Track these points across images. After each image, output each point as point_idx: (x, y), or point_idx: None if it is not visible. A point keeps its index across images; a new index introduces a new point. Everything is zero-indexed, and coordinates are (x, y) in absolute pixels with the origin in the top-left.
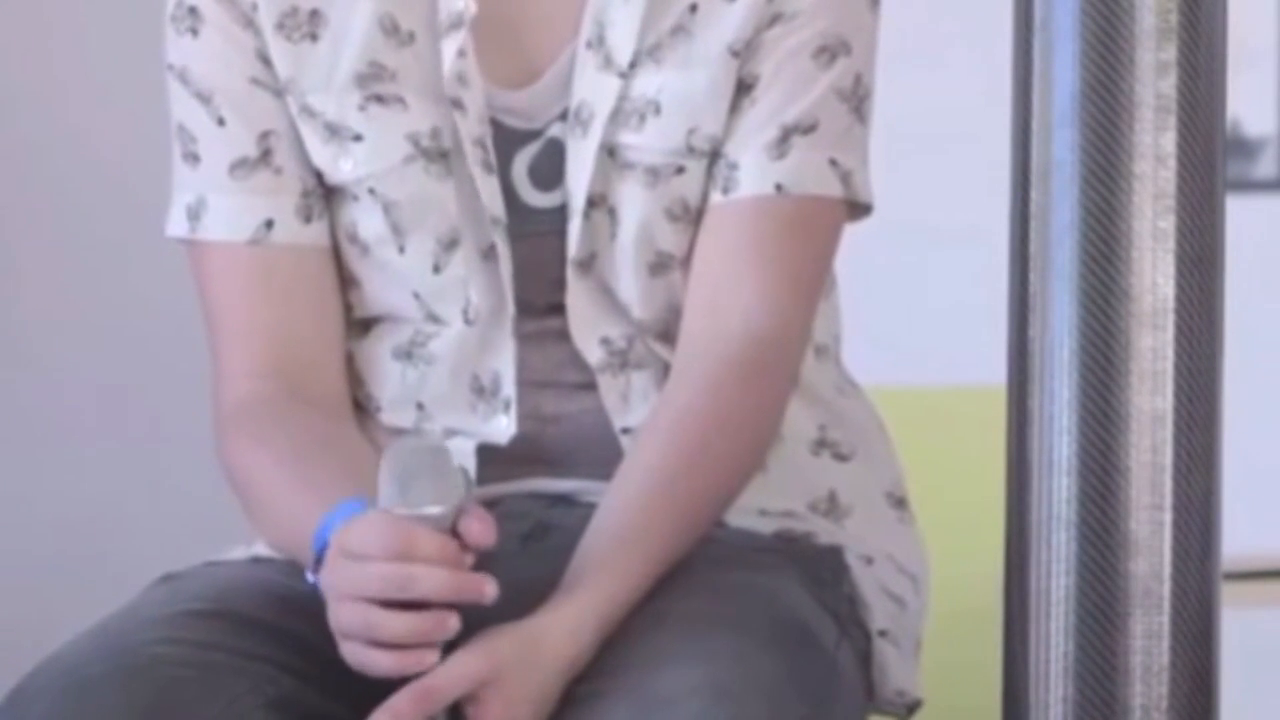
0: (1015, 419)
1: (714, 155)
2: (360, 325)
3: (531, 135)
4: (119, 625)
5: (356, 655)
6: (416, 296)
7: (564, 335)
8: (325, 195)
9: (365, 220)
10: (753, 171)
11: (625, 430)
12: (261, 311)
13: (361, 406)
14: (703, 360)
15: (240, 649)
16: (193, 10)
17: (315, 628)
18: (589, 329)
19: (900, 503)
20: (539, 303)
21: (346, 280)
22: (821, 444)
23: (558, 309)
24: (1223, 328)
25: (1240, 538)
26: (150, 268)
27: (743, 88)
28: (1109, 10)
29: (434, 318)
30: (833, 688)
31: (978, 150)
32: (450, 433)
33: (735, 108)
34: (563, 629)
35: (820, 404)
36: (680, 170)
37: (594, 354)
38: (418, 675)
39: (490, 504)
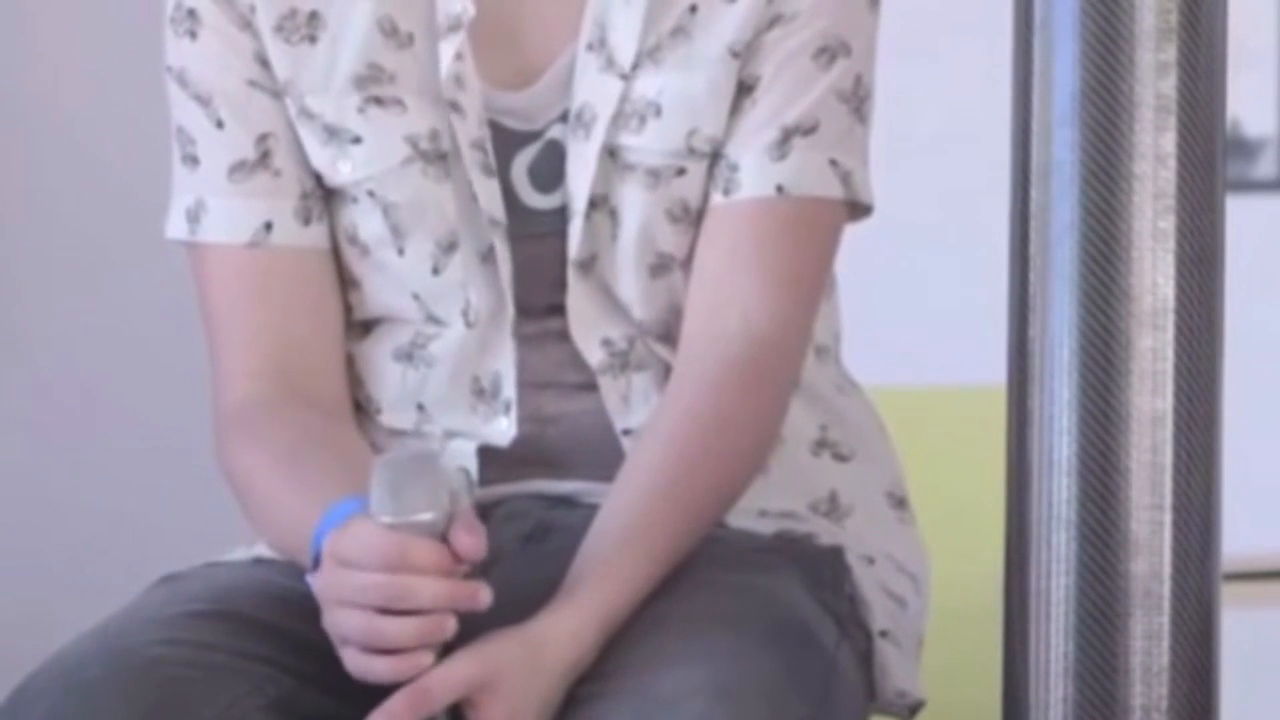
0: (1015, 419)
1: (714, 156)
2: (360, 327)
3: (531, 137)
4: (120, 626)
5: (356, 661)
6: (416, 298)
7: (564, 336)
8: (325, 197)
9: (364, 222)
10: (753, 173)
11: (626, 431)
12: (261, 313)
13: (361, 408)
14: (703, 362)
15: (241, 650)
16: (191, 13)
17: (316, 628)
18: (589, 330)
19: (901, 503)
20: (539, 304)
21: (347, 281)
22: (822, 444)
23: (557, 310)
24: (1223, 328)
25: (1240, 538)
26: (150, 269)
27: (743, 89)
28: (1109, 10)
29: (434, 319)
30: (833, 688)
31: (978, 150)
32: (451, 434)
33: (736, 109)
34: (565, 631)
35: (820, 404)
36: (681, 172)
37: (595, 355)
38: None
39: (491, 505)
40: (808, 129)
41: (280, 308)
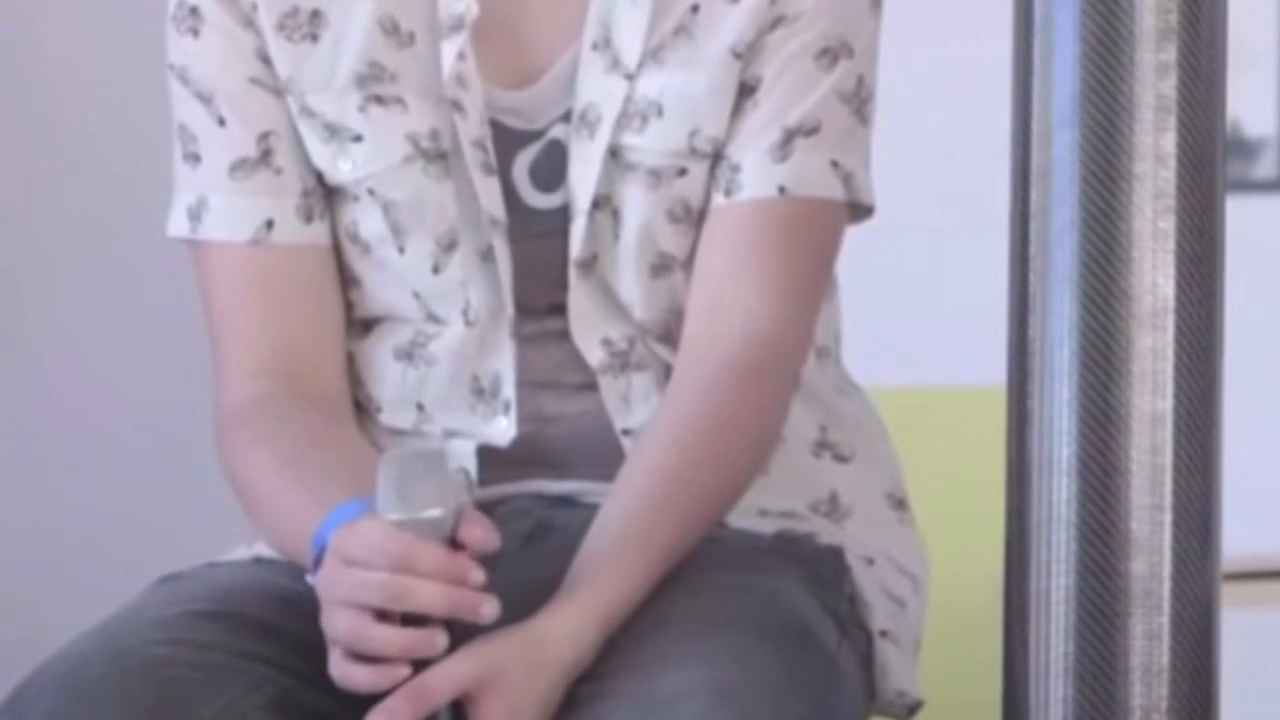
0: (1015, 419)
1: (716, 157)
2: (361, 325)
3: (532, 136)
4: (120, 626)
5: (337, 665)
6: (416, 296)
7: (564, 336)
8: (326, 195)
9: (365, 220)
10: (755, 174)
11: (626, 431)
12: (262, 312)
13: (361, 407)
14: (704, 362)
15: (241, 650)
16: (193, 10)
17: (316, 628)
18: (590, 330)
19: (901, 503)
20: (539, 304)
21: (347, 280)
22: (822, 445)
23: (558, 310)
24: (1223, 328)
25: (1240, 538)
26: (152, 268)
27: (745, 90)
28: (1109, 10)
29: (434, 318)
30: (834, 688)
31: (978, 150)
32: (450, 434)
33: (737, 110)
34: (565, 630)
35: (821, 405)
36: (682, 172)
37: (595, 355)
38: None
39: (491, 505)
40: (809, 130)
41: (282, 306)
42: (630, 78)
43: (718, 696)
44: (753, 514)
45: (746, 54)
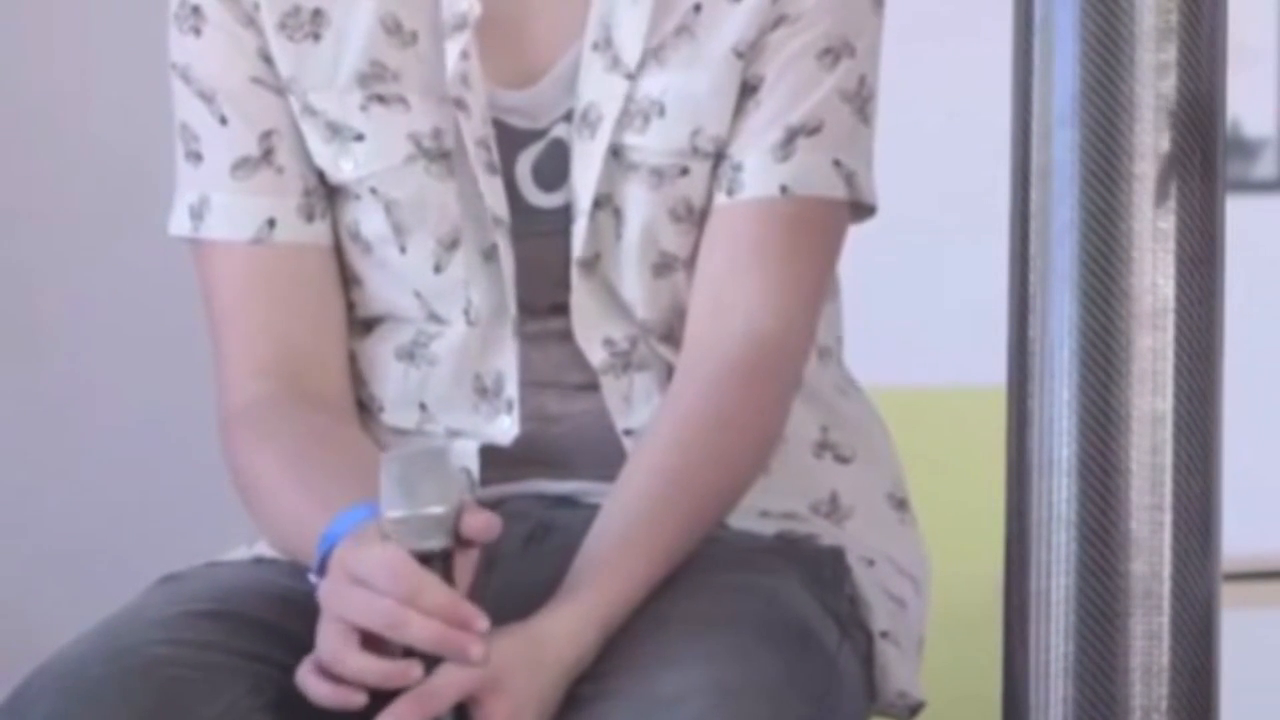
0: (1015, 419)
1: (718, 156)
2: (363, 325)
3: (535, 135)
4: (120, 626)
5: (304, 672)
6: (418, 296)
7: (566, 336)
8: (327, 194)
9: (367, 219)
10: (757, 173)
11: (628, 432)
12: (265, 311)
13: (364, 406)
14: (706, 362)
15: (241, 650)
16: (195, 9)
17: (316, 629)
18: (592, 329)
19: (901, 504)
20: (541, 303)
21: (349, 279)
22: (823, 445)
23: (560, 309)
24: (1223, 328)
25: (1240, 538)
26: (152, 268)
27: (747, 89)
28: (1109, 10)
29: (436, 318)
30: (834, 689)
31: (978, 150)
32: (453, 434)
33: (740, 109)
34: (566, 630)
35: (822, 405)
36: (684, 171)
37: (597, 355)
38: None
39: (492, 505)
40: (812, 129)
41: (284, 305)
42: (630, 77)
43: (718, 697)
44: (753, 515)
45: (748, 53)
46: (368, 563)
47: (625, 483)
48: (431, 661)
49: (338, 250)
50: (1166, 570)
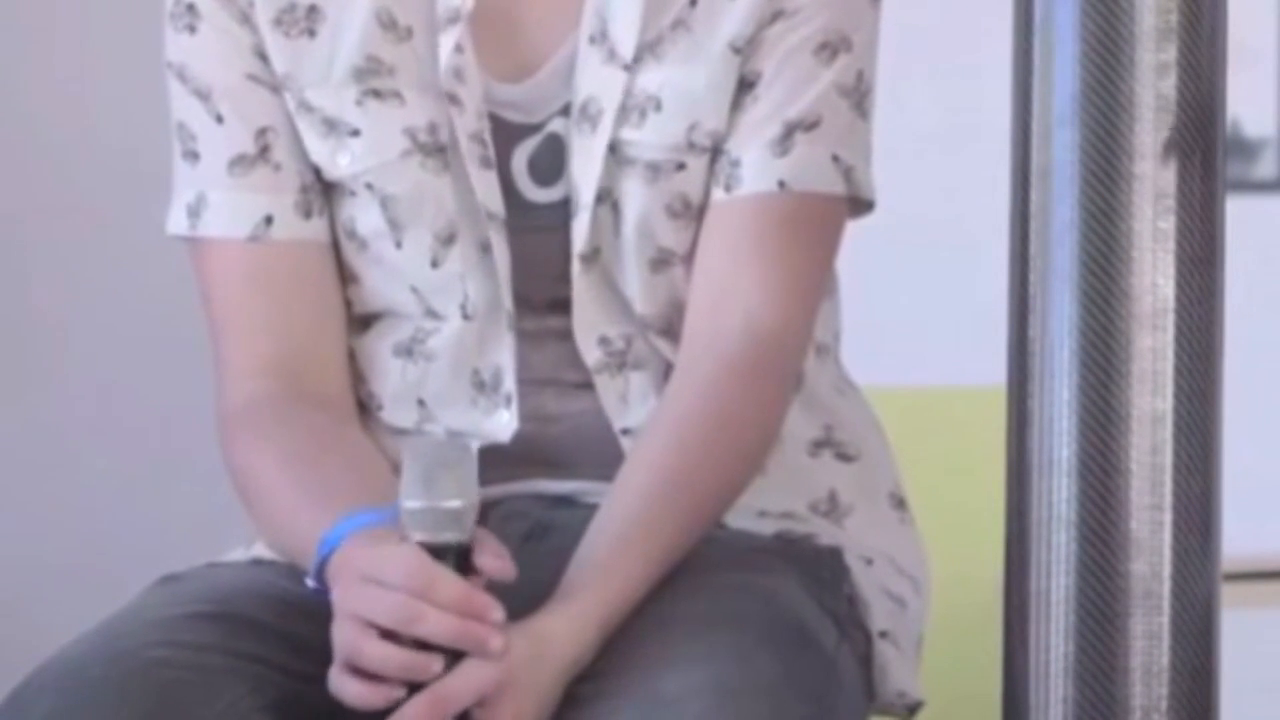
0: (1015, 419)
1: (716, 152)
2: (360, 322)
3: (530, 130)
4: (119, 627)
5: (334, 678)
6: (414, 291)
7: (563, 334)
8: (324, 191)
9: (363, 215)
10: (755, 168)
11: (625, 431)
12: (263, 309)
13: (363, 404)
14: (704, 360)
15: (240, 651)
16: (190, 8)
17: (316, 630)
18: (590, 327)
19: (901, 503)
20: (539, 299)
21: (346, 276)
22: (822, 444)
23: (558, 306)
24: (1223, 328)
25: (1240, 538)
26: (152, 269)
27: (744, 85)
28: (1109, 10)
29: (432, 313)
30: (833, 688)
31: (978, 150)
32: (452, 433)
33: (737, 104)
34: (566, 629)
35: (819, 405)
36: (681, 167)
37: (592, 355)
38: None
39: (491, 505)
40: (809, 124)
41: (282, 302)
42: (627, 69)
43: (717, 697)
44: (751, 514)
45: (745, 49)
46: (380, 560)
47: (624, 482)
48: (450, 656)
49: (335, 247)
50: (1166, 570)
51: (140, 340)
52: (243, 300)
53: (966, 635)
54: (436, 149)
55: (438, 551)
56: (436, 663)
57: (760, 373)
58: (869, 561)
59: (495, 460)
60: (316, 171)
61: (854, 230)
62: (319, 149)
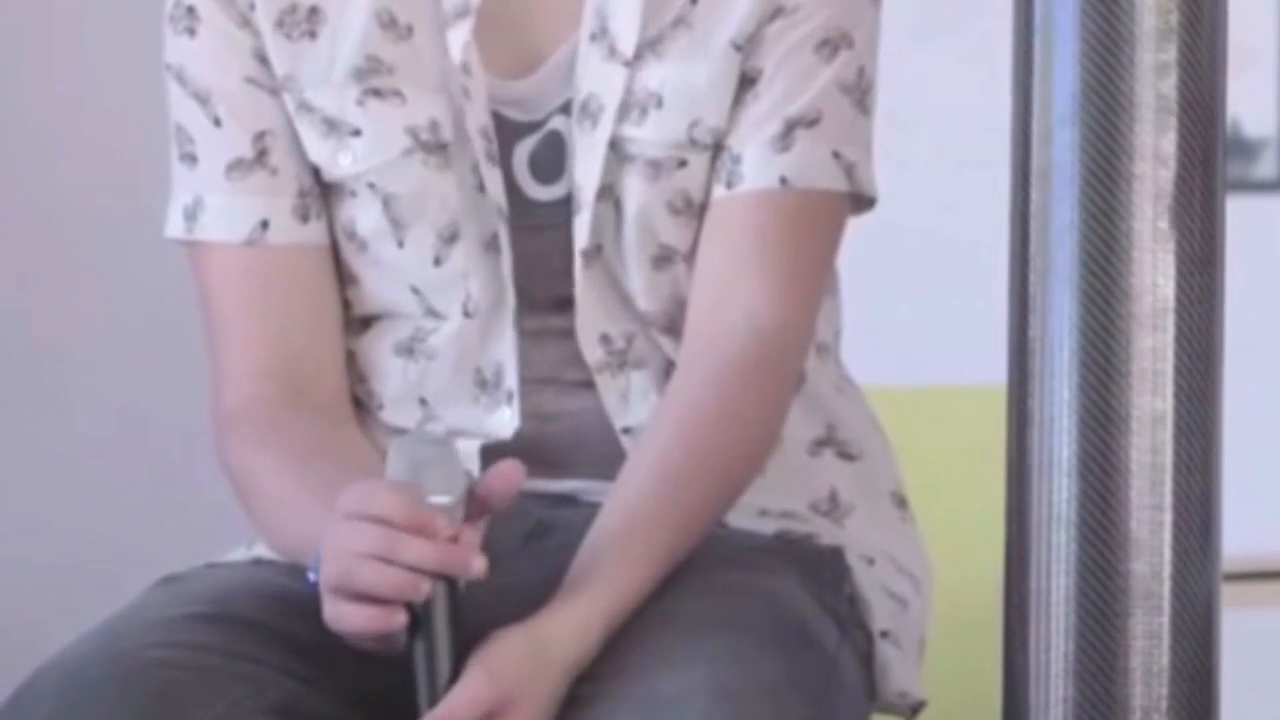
0: (1015, 419)
1: (717, 149)
2: (360, 323)
3: (531, 127)
4: (119, 627)
5: (331, 608)
6: (415, 291)
7: (565, 333)
8: (323, 194)
9: (363, 216)
10: (756, 165)
11: (626, 430)
12: (260, 312)
13: (363, 404)
14: (706, 358)
15: (240, 652)
16: (190, 10)
17: (316, 630)
18: (592, 324)
19: (902, 502)
20: (540, 296)
21: (345, 278)
22: (823, 443)
23: (559, 304)
24: (1223, 328)
25: (1240, 538)
26: (153, 271)
27: (745, 81)
28: (1109, 10)
29: (433, 312)
30: (834, 688)
31: (978, 150)
32: (454, 433)
33: (738, 101)
34: (569, 630)
35: (819, 403)
36: (682, 163)
37: (593, 353)
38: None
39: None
40: (810, 121)
41: (279, 305)
42: (628, 65)
43: (718, 697)
44: (752, 514)
45: (746, 46)
46: (357, 497)
47: (626, 480)
48: (441, 584)
49: (334, 250)
50: (1166, 570)
51: (140, 341)
52: (239, 303)
53: (967, 635)
54: (438, 146)
55: None
56: (424, 583)
57: (763, 371)
58: (870, 561)
59: (497, 459)
60: (315, 174)
61: (854, 230)
62: (320, 150)
